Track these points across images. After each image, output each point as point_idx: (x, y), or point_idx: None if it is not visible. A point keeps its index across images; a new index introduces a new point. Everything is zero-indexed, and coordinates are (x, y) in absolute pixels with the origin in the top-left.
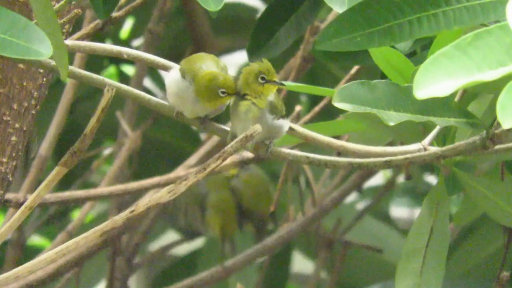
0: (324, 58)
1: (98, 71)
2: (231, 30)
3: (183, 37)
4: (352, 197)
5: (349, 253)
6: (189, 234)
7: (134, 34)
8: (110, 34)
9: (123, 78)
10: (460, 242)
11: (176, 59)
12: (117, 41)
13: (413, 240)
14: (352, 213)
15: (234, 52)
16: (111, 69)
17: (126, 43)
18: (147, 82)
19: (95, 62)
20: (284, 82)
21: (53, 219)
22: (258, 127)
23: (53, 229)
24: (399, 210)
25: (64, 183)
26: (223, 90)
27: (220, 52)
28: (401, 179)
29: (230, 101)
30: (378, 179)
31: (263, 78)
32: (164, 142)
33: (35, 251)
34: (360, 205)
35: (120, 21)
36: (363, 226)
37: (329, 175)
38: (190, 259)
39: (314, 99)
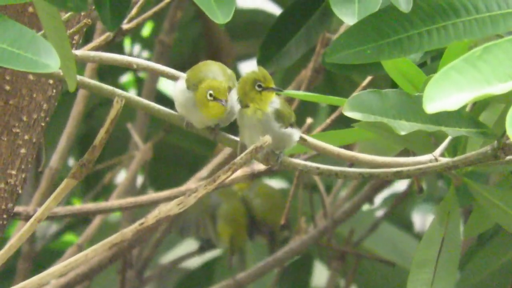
0: (335, 69)
1: (115, 78)
2: (248, 36)
3: (199, 44)
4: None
5: (367, 261)
6: (202, 246)
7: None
8: (131, 35)
9: (140, 84)
10: (473, 252)
11: (192, 66)
12: (139, 41)
13: (424, 250)
14: (370, 220)
15: (251, 59)
16: (129, 76)
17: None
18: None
19: (112, 67)
20: (291, 92)
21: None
22: (268, 138)
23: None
24: (422, 217)
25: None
26: (211, 92)
27: (237, 58)
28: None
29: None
30: (402, 185)
31: (259, 86)
32: (180, 147)
33: (46, 263)
34: (380, 212)
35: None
36: (382, 233)
37: (341, 186)
38: (201, 272)
39: (333, 108)
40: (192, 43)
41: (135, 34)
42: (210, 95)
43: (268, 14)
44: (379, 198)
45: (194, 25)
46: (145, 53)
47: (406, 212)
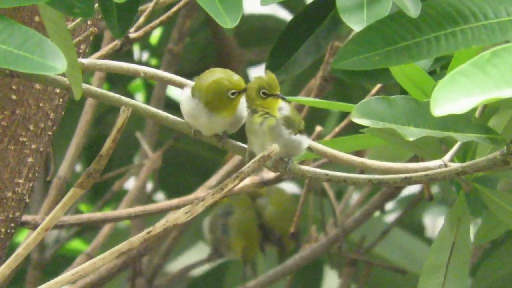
0: (344, 77)
1: (126, 83)
2: (259, 42)
3: (209, 51)
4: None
5: (378, 267)
6: (211, 254)
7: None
8: (139, 43)
9: (150, 88)
10: (485, 257)
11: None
12: (148, 48)
13: (434, 256)
14: (381, 226)
15: (262, 64)
16: (138, 81)
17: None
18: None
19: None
20: (300, 98)
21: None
22: (275, 147)
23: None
24: (434, 221)
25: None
26: (233, 91)
27: (248, 64)
28: (435, 189)
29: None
30: (413, 189)
31: (264, 93)
32: (192, 153)
33: (56, 271)
34: (390, 217)
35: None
36: (393, 239)
37: (352, 193)
38: (211, 280)
39: (344, 115)
40: (202, 50)
41: (143, 42)
42: (233, 93)
43: (279, 20)
44: (390, 203)
45: (204, 31)
46: (153, 61)
47: (418, 215)
